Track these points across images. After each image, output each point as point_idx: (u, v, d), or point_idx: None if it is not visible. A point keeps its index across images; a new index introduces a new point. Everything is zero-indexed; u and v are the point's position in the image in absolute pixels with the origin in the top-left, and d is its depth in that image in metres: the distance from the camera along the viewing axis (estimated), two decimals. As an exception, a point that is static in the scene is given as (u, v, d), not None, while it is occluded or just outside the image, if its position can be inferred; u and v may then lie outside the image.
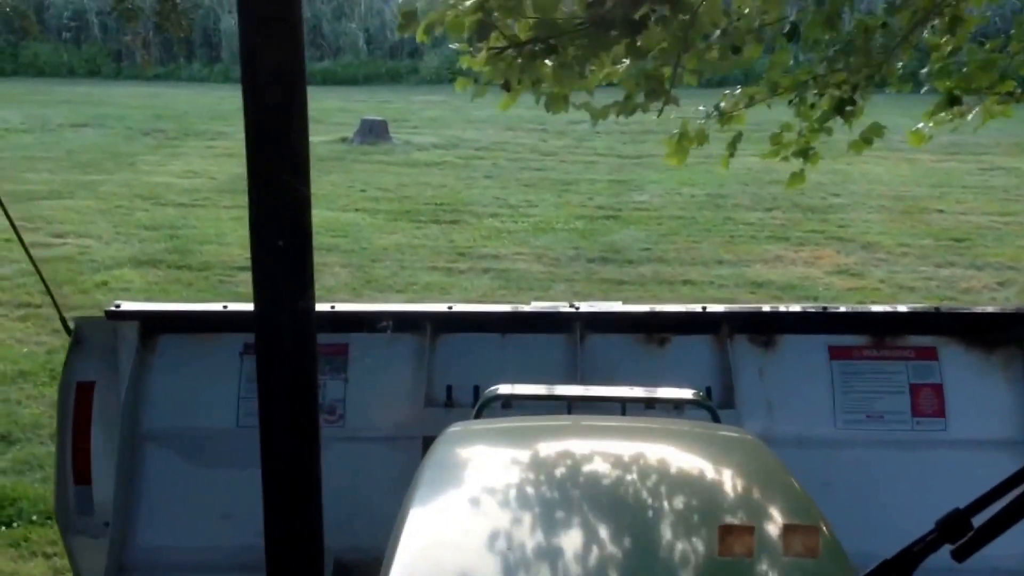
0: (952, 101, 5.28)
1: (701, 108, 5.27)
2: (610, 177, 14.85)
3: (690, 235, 11.74)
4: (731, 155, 5.41)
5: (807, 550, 1.38)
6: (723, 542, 1.39)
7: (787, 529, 1.40)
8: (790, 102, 5.24)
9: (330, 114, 19.49)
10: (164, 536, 3.90)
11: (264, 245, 2.19)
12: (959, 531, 1.18)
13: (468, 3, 4.31)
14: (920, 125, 5.55)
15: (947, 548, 1.19)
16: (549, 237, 11.65)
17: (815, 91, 5.21)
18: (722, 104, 5.24)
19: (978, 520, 1.18)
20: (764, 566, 2.01)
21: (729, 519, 2.25)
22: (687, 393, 3.40)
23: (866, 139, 5.42)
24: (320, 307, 4.15)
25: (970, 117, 5.44)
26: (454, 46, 4.84)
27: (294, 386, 2.32)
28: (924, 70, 5.36)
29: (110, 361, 3.93)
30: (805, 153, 5.46)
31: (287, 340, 2.16)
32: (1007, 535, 3.58)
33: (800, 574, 1.98)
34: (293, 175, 2.10)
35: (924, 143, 5.65)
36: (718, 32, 4.70)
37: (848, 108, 5.04)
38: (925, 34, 5.21)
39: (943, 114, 5.41)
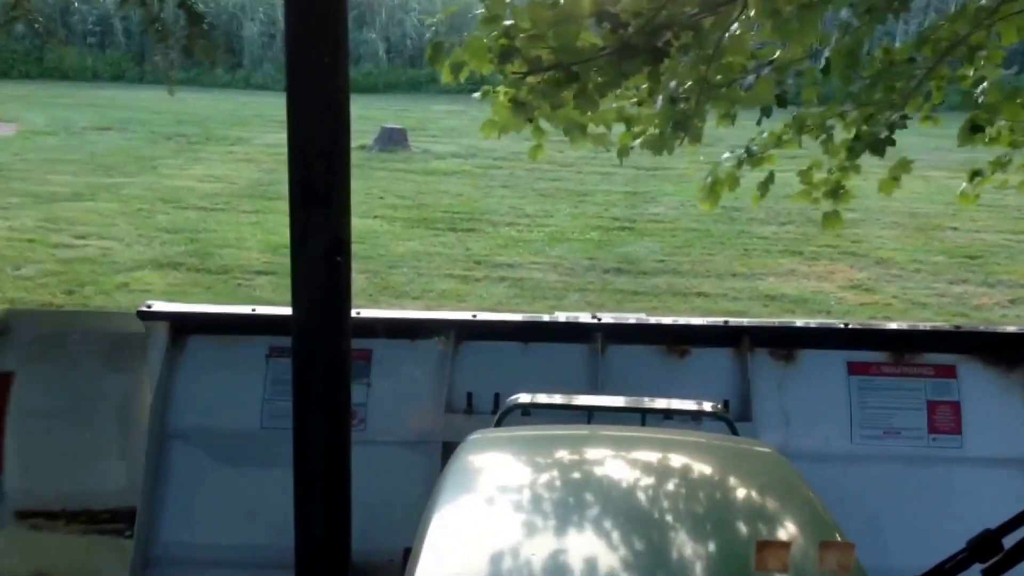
0: (975, 129, 5.34)
1: (728, 153, 5.32)
2: (626, 189, 14.91)
3: (704, 247, 11.80)
4: (763, 195, 5.43)
5: (842, 567, 1.42)
6: (759, 556, 1.43)
7: (823, 545, 1.44)
8: (818, 139, 5.27)
9: (351, 122, 19.59)
10: (188, 533, 3.99)
11: (306, 257, 2.27)
12: (990, 551, 1.23)
13: (491, 23, 4.38)
14: (964, 186, 5.64)
15: (977, 567, 1.24)
16: (564, 247, 11.72)
17: (843, 129, 5.25)
18: (753, 147, 5.29)
19: (1008, 541, 1.23)
20: None
21: (748, 532, 2.29)
22: (706, 405, 3.45)
23: (894, 177, 5.46)
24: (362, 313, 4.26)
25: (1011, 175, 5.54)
26: (476, 95, 4.93)
27: (327, 391, 2.39)
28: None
29: (67, 355, 4.04)
30: (836, 193, 5.47)
31: (322, 348, 2.23)
32: None
33: None
34: (334, 186, 2.18)
35: (974, 203, 5.72)
36: (752, 76, 4.75)
37: (882, 146, 5.03)
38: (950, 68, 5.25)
39: (989, 175, 5.50)
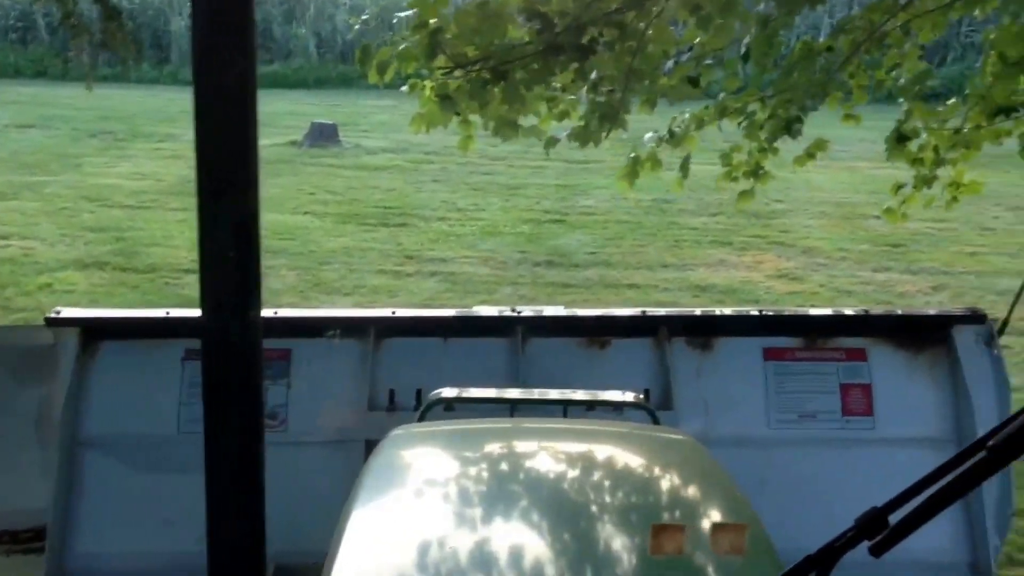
0: (901, 138, 5.48)
1: (651, 134, 5.39)
2: (557, 182, 14.96)
3: (635, 239, 11.89)
4: (684, 176, 5.53)
5: (734, 548, 1.44)
6: (654, 540, 1.44)
7: (716, 528, 1.47)
8: (739, 124, 5.38)
9: (280, 117, 19.38)
10: (104, 542, 3.91)
11: (212, 253, 2.25)
12: (877, 528, 1.24)
13: (420, 29, 4.38)
14: (890, 205, 5.78)
15: (866, 544, 1.26)
16: (496, 241, 11.74)
17: (762, 113, 5.36)
18: (674, 128, 5.37)
19: (895, 517, 1.24)
20: (698, 562, 2.11)
21: (665, 518, 2.32)
22: (627, 396, 3.48)
23: (810, 153, 5.59)
24: (264, 313, 4.22)
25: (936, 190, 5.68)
26: (404, 88, 4.93)
27: (239, 392, 2.37)
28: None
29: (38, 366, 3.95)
30: (755, 173, 5.61)
31: (233, 347, 2.21)
32: (922, 530, 3.72)
33: (731, 571, 2.08)
34: (241, 184, 2.15)
35: (902, 221, 5.86)
36: (671, 63, 4.82)
37: (796, 126, 5.18)
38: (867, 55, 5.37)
39: (915, 191, 5.64)
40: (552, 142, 5.37)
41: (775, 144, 5.39)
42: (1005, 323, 4.00)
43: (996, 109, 5.27)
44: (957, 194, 5.70)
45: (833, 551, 1.26)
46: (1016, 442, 1.12)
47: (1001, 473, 3.85)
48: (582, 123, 5.17)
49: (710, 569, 2.11)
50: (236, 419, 2.36)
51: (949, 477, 1.19)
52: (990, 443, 1.15)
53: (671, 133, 5.37)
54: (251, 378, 2.36)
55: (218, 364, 2.36)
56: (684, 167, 5.49)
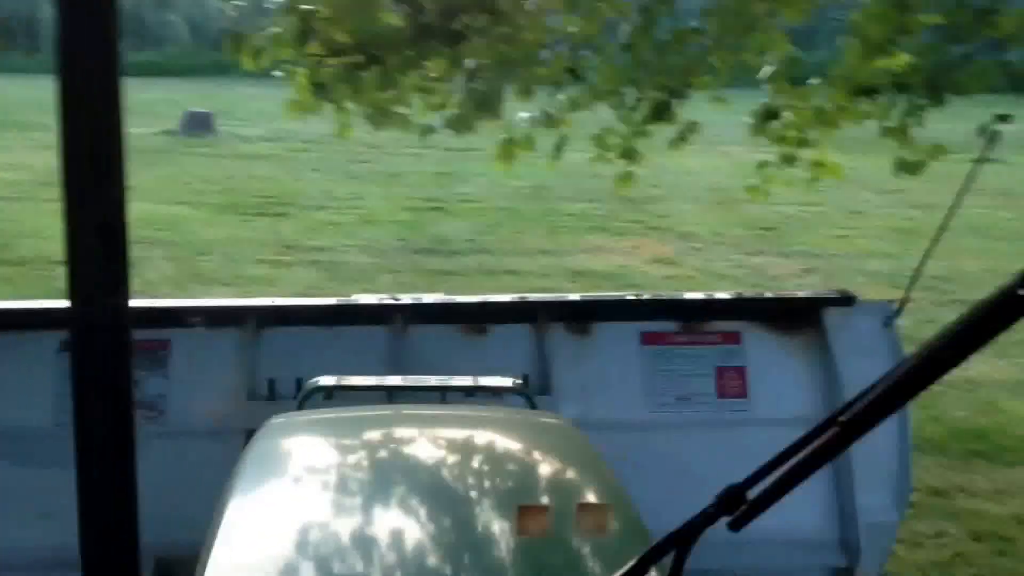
0: (768, 116, 5.61)
1: (525, 114, 5.43)
2: (436, 169, 14.96)
3: (514, 226, 11.97)
4: (557, 157, 5.60)
5: (598, 527, 1.46)
6: (520, 521, 1.45)
7: (580, 507, 1.47)
8: (611, 105, 5.45)
9: (154, 106, 18.93)
10: None
11: (79, 244, 2.19)
12: (735, 504, 1.27)
13: (291, 13, 4.34)
14: (753, 181, 5.91)
15: (725, 520, 1.28)
16: (376, 229, 11.68)
17: (635, 96, 5.45)
18: (549, 110, 5.42)
19: (754, 493, 1.26)
20: (569, 543, 2.14)
21: (537, 500, 2.35)
22: (505, 381, 3.49)
23: (683, 136, 5.70)
24: (139, 303, 4.12)
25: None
26: (277, 73, 4.87)
27: (109, 383, 2.31)
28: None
29: None
30: (629, 154, 5.69)
31: (102, 337, 2.16)
32: (794, 509, 3.82)
33: (602, 551, 2.12)
34: (107, 173, 2.10)
35: (764, 198, 5.99)
36: (547, 52, 4.87)
37: (667, 112, 5.29)
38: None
39: (776, 169, 5.77)
40: (428, 130, 5.37)
41: (648, 127, 5.49)
42: (903, 304, 4.08)
43: (857, 90, 5.44)
44: (819, 174, 5.86)
45: (694, 527, 1.28)
46: (865, 417, 1.16)
47: (901, 449, 4.02)
48: (455, 111, 5.18)
49: (581, 549, 2.15)
50: (106, 411, 2.30)
51: (804, 453, 1.22)
52: (841, 419, 1.18)
53: (546, 115, 5.42)
54: (121, 369, 2.30)
55: (87, 356, 2.30)
56: (558, 148, 5.55)
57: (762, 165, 5.93)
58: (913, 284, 3.93)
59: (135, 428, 2.42)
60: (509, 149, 5.44)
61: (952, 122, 5.74)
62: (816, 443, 1.20)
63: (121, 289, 2.20)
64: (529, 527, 1.43)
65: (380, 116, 5.12)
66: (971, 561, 5.17)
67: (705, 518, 1.28)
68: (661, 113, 5.35)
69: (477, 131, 5.30)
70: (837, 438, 1.18)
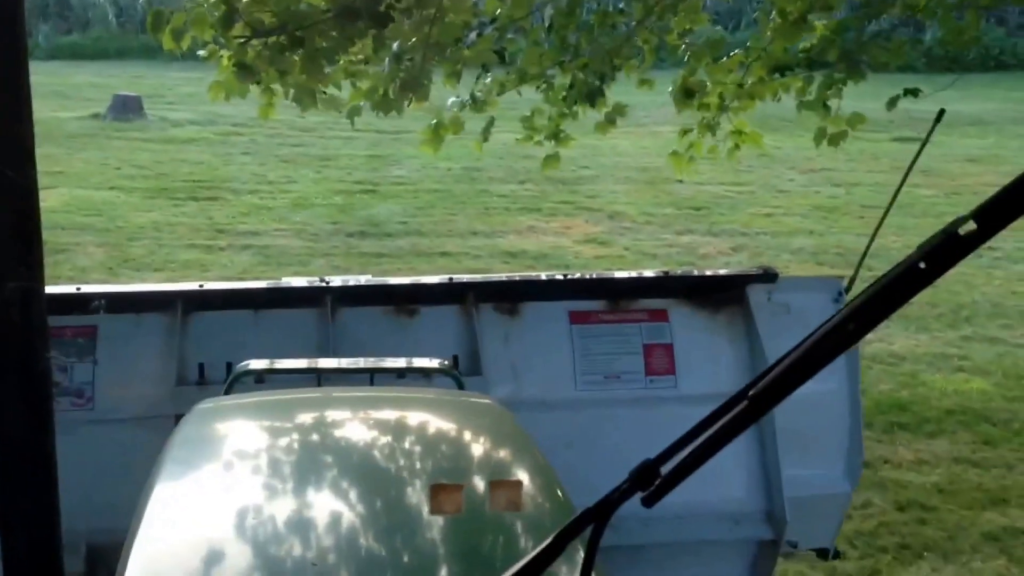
0: (688, 93, 5.70)
1: (453, 98, 5.46)
2: (368, 152, 14.87)
3: (446, 208, 11.97)
4: (485, 139, 5.64)
5: (510, 503, 1.48)
6: (434, 499, 1.46)
7: (492, 484, 1.51)
8: (538, 88, 5.50)
9: (80, 89, 18.58)
10: None
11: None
12: (649, 479, 1.27)
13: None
14: (677, 149, 6.00)
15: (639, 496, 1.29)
16: (308, 213, 11.62)
17: (563, 78, 5.50)
18: (476, 94, 5.45)
19: (666, 469, 1.27)
20: (496, 523, 2.18)
21: (463, 480, 2.37)
22: (432, 362, 3.52)
23: (610, 119, 5.77)
24: (64, 289, 4.08)
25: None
26: (201, 52, 4.84)
27: (22, 369, 2.29)
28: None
29: None
30: (556, 136, 5.76)
31: (14, 326, 2.15)
32: (720, 482, 3.89)
33: (528, 529, 2.17)
34: (12, 162, 2.08)
35: (687, 167, 6.08)
36: (473, 34, 4.90)
37: (599, 98, 5.36)
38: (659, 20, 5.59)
39: (699, 137, 5.88)
40: (356, 111, 5.37)
41: (575, 109, 5.55)
42: (852, 281, 4.14)
43: (775, 66, 5.55)
44: (739, 141, 5.97)
45: (610, 503, 1.29)
46: (773, 391, 1.19)
47: (853, 421, 4.11)
48: (381, 92, 5.19)
49: (508, 528, 2.18)
50: (20, 400, 2.28)
51: (715, 427, 1.24)
52: (751, 393, 1.21)
53: (473, 98, 5.46)
54: (35, 357, 2.28)
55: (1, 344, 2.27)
56: (486, 131, 5.59)
57: (684, 132, 6.02)
58: (862, 262, 4.01)
59: (53, 413, 2.40)
60: (437, 133, 5.47)
61: (868, 101, 5.86)
62: (727, 417, 1.23)
63: (34, 272, 2.18)
64: (443, 505, 1.43)
65: (307, 97, 5.11)
66: (895, 530, 5.34)
67: (620, 494, 1.28)
68: (592, 98, 5.41)
69: (404, 114, 5.31)
70: (747, 411, 1.20)
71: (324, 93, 5.20)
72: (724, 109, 5.85)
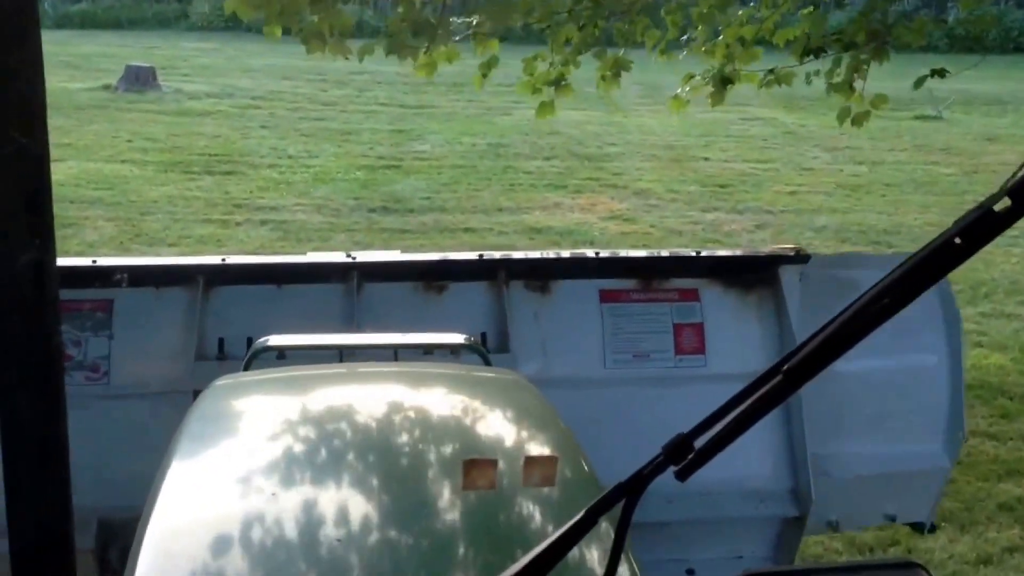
0: (724, 81, 5.66)
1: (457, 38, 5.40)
2: (391, 127, 14.77)
3: (471, 184, 11.87)
4: (484, 75, 5.59)
5: (544, 479, 1.46)
6: (466, 476, 1.45)
7: (526, 460, 1.46)
8: (542, 31, 5.43)
9: (90, 59, 18.52)
10: None
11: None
12: (683, 454, 1.27)
13: None
14: (679, 91, 5.96)
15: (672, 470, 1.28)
16: (329, 188, 11.52)
17: (571, 25, 5.43)
18: (473, 21, 5.40)
19: (700, 443, 1.27)
20: (523, 500, 2.11)
21: (489, 456, 2.30)
22: (458, 338, 3.44)
23: (615, 73, 5.70)
24: (80, 262, 4.00)
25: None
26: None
27: (34, 344, 2.20)
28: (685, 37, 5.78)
29: None
30: (557, 83, 5.68)
31: (25, 297, 2.05)
32: (747, 460, 3.83)
33: (556, 506, 2.09)
34: (23, 128, 1.98)
35: (684, 108, 6.05)
36: None
37: (597, 48, 5.31)
38: None
39: (698, 78, 5.84)
40: (368, 49, 5.27)
41: (578, 59, 5.52)
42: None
43: (807, 50, 5.53)
44: (733, 76, 5.97)
45: (642, 478, 1.28)
46: (808, 366, 1.19)
47: (954, 395, 4.13)
48: (391, 35, 5.13)
49: (535, 504, 2.12)
50: (32, 376, 2.19)
51: (749, 401, 1.24)
52: (785, 367, 1.20)
53: (475, 33, 5.40)
54: (47, 332, 2.18)
55: (10, 319, 2.17)
56: (485, 66, 5.54)
57: (689, 77, 6.00)
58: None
59: (64, 387, 2.31)
60: (431, 57, 5.40)
61: (890, 80, 5.83)
62: (761, 391, 1.22)
63: (46, 244, 2.08)
64: (476, 481, 1.44)
65: (315, 40, 5.01)
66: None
67: (653, 467, 1.28)
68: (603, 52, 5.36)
69: (415, 56, 5.26)
70: (781, 386, 1.20)
71: (332, 35, 5.10)
72: (730, 59, 5.84)
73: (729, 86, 5.81)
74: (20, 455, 2.10)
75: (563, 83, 5.72)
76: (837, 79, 5.92)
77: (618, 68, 5.67)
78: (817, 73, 6.02)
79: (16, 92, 1.96)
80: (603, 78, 5.76)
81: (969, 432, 6.11)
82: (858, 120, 5.89)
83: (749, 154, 13.97)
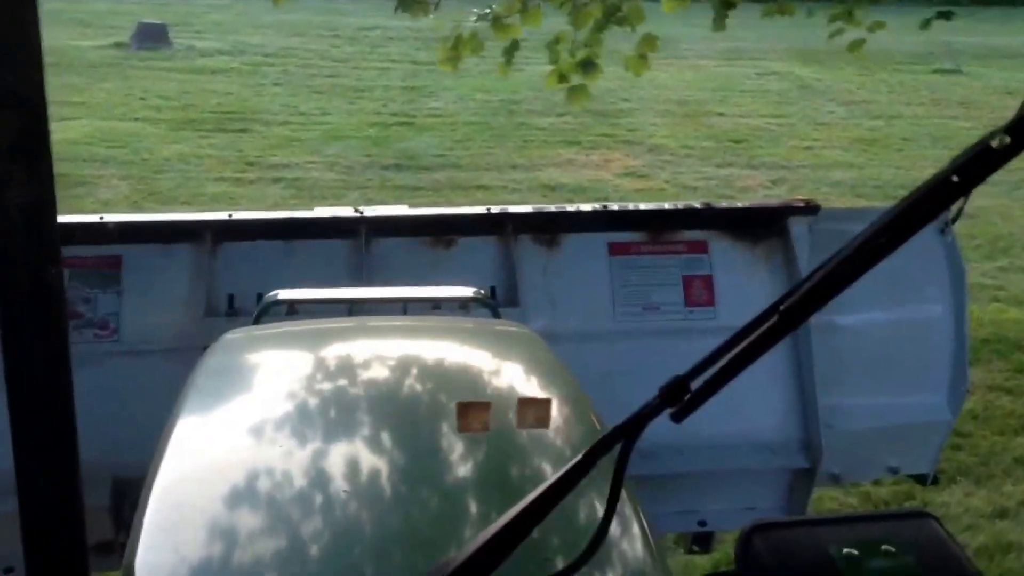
0: (726, 4, 5.53)
1: (475, 17, 5.30)
2: (404, 83, 14.70)
3: (484, 141, 11.81)
4: (508, 62, 5.47)
5: (538, 421, 1.46)
6: (461, 418, 1.45)
7: (520, 402, 1.46)
8: (561, 4, 5.33)
9: (102, 16, 18.42)
10: None
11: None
12: (679, 395, 1.26)
13: None
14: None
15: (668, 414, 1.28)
16: (342, 145, 11.48)
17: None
18: (494, 6, 5.30)
19: (696, 384, 1.27)
20: (529, 445, 2.12)
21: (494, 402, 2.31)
22: (467, 291, 3.43)
23: (641, 55, 5.59)
24: (87, 218, 4.00)
25: None
26: None
27: (37, 307, 2.18)
28: None
29: None
30: (586, 67, 5.58)
31: (20, 245, 2.02)
32: (757, 411, 3.82)
33: (563, 455, 2.08)
34: (12, 64, 1.93)
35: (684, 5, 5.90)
36: None
37: (619, 14, 5.18)
38: None
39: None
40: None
41: (601, 36, 5.40)
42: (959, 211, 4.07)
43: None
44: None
45: (639, 419, 1.29)
46: (803, 306, 1.18)
47: (957, 349, 4.09)
48: None
49: (540, 448, 2.13)
50: (34, 325, 2.17)
51: (745, 342, 1.23)
52: (781, 307, 1.19)
53: (495, 17, 5.30)
54: (46, 279, 2.16)
55: (11, 280, 2.15)
56: (508, 52, 5.44)
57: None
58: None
59: (68, 341, 2.31)
60: (457, 49, 5.33)
61: (909, 35, 5.75)
62: (757, 332, 1.22)
63: (43, 186, 2.05)
64: (471, 424, 1.43)
65: None
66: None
67: (649, 409, 1.28)
68: (621, 19, 5.24)
69: (430, 13, 5.20)
70: (777, 326, 1.20)
71: None
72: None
73: (731, 10, 5.65)
74: (24, 408, 2.09)
75: (591, 67, 5.61)
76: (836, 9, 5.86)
77: (645, 51, 5.55)
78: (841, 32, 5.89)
79: (3, 27, 1.92)
80: (628, 63, 5.65)
81: (986, 386, 6.14)
82: (853, 47, 5.82)
83: (764, 109, 13.84)
